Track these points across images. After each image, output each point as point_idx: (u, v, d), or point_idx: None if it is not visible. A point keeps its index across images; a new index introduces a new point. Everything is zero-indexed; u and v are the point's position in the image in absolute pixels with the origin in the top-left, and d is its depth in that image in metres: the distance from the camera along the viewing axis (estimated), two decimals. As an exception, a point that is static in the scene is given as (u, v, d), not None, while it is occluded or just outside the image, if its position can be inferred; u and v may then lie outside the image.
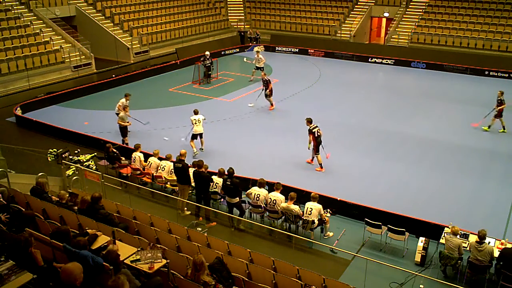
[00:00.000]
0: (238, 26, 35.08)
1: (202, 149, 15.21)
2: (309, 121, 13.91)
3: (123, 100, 16.34)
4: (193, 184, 11.62)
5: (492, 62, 25.81)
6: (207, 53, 23.39)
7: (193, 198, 12.04)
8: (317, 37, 32.39)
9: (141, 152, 13.12)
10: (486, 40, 27.48)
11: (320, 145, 13.76)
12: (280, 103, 20.15)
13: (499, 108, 16.67)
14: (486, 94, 21.35)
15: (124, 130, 15.32)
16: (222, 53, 29.94)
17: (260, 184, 11.05)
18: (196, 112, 15.28)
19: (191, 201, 11.84)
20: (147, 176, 12.73)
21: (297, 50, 30.71)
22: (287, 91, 22.00)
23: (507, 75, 24.83)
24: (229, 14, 36.53)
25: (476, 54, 26.85)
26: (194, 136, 15.12)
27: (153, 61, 27.80)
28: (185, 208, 11.58)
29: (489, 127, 17.05)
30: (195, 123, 15.03)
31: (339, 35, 32.18)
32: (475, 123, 17.48)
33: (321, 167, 13.93)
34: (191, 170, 11.54)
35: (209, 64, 23.30)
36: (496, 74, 25.08)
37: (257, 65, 23.33)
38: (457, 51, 27.55)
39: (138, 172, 12.86)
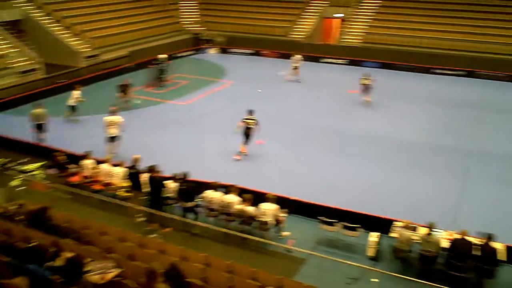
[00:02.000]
0: (192, 28, 34.80)
1: (114, 153, 13.99)
2: (248, 113, 14.89)
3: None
4: (147, 189, 11.40)
5: (439, 60, 26.80)
6: (161, 56, 23.06)
7: (147, 203, 11.79)
8: (271, 39, 32.57)
9: (91, 159, 12.74)
10: (434, 39, 28.26)
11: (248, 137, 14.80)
12: (235, 104, 20.15)
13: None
14: (436, 91, 22.17)
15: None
16: (176, 55, 29.59)
17: (214, 187, 10.98)
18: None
19: (145, 206, 11.60)
20: (97, 183, 12.37)
21: (251, 52, 30.78)
22: (242, 92, 22.01)
23: (453, 72, 26.16)
24: (183, 16, 36.14)
25: (425, 53, 27.62)
26: (109, 139, 14.02)
27: (104, 65, 27.06)
28: (140, 214, 11.33)
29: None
30: (109, 125, 13.84)
31: (292, 36, 32.48)
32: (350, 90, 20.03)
33: (238, 155, 14.90)
34: (144, 175, 11.32)
35: (163, 68, 23.00)
36: (442, 71, 26.28)
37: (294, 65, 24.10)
38: (408, 50, 28.23)
39: (88, 180, 12.48)
